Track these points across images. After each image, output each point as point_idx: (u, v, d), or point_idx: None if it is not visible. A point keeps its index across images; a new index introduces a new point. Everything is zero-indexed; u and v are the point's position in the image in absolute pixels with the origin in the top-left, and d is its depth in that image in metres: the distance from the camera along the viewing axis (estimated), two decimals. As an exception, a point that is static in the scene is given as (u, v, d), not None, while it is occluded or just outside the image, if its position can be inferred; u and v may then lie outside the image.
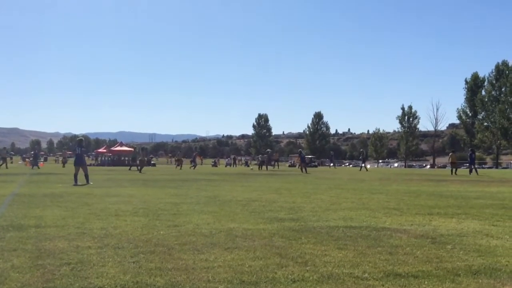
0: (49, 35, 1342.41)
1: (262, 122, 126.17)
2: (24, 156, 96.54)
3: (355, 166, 70.72)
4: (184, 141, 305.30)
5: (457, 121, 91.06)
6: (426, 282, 3.93)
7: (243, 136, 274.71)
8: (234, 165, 69.30)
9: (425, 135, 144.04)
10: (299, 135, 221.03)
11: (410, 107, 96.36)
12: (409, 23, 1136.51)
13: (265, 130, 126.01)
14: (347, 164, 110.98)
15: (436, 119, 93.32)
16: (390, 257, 4.85)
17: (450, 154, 36.27)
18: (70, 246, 5.25)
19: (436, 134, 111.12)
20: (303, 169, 35.23)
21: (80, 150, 19.00)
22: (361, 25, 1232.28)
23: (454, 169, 33.83)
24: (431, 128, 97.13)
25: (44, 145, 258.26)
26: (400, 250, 5.18)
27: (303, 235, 6.10)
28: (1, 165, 40.15)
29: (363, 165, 44.48)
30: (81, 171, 18.02)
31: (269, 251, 5.07)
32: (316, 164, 77.20)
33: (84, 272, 4.14)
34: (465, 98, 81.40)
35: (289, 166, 74.06)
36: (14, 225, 6.79)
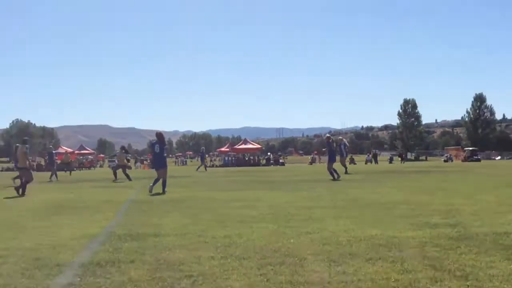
0: (168, 42, 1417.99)
1: (409, 109, 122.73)
2: (141, 158, 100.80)
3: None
4: (316, 135, 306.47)
5: None
6: None
7: (386, 127, 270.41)
8: (375, 162, 67.82)
9: None
10: (456, 123, 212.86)
11: None
12: None
13: (413, 119, 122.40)
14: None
15: None
16: None
17: None
18: (191, 257, 5.51)
19: None
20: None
21: None
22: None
23: None
24: None
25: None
26: None
27: (462, 243, 5.91)
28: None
29: None
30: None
31: (420, 263, 4.97)
32: (479, 157, 73.69)
33: (206, 286, 4.33)
34: None
35: (444, 161, 71.49)
36: (132, 234, 7.26)
